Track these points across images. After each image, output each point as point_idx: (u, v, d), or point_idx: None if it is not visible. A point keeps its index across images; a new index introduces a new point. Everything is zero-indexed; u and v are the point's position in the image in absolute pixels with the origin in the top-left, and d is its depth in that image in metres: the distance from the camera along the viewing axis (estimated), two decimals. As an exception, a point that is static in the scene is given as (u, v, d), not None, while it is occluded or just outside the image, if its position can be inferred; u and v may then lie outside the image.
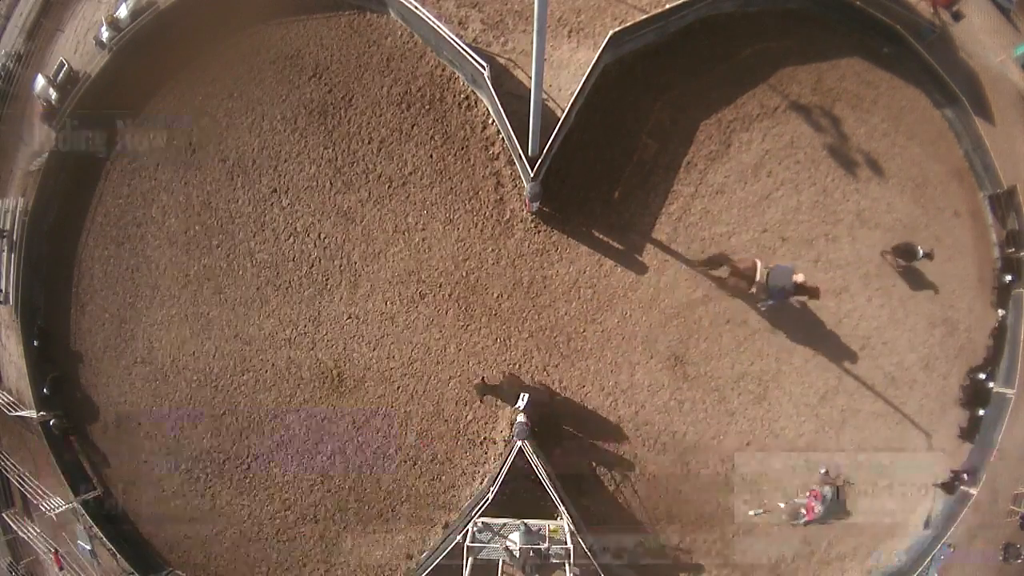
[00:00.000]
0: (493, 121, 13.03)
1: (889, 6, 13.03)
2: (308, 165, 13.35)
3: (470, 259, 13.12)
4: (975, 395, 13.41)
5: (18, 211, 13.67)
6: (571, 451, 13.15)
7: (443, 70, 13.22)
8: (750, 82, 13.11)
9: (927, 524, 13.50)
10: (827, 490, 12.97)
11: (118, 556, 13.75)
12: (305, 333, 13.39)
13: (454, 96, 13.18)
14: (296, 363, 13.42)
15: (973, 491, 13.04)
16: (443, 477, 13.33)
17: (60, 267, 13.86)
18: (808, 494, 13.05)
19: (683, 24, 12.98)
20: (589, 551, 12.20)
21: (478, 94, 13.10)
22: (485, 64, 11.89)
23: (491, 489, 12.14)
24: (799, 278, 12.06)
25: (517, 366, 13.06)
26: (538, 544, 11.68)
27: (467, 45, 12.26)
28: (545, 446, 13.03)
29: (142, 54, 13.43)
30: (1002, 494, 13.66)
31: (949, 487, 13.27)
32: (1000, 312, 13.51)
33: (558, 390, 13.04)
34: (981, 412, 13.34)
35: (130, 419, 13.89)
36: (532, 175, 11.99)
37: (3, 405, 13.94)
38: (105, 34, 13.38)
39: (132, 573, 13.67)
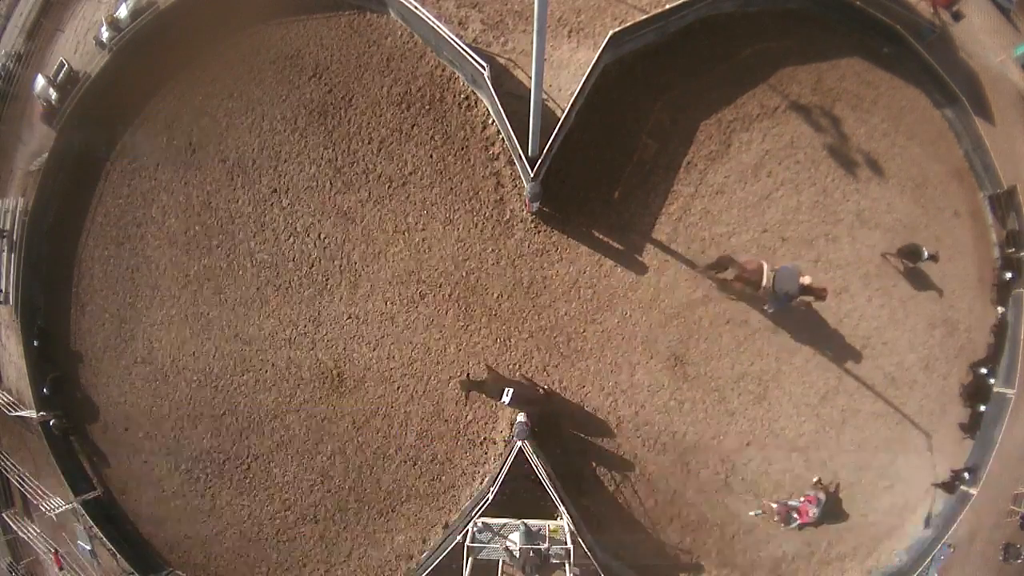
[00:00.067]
0: (493, 121, 13.03)
1: (889, 6, 13.04)
2: (308, 165, 13.35)
3: (470, 259, 13.12)
4: (976, 391, 13.42)
5: (18, 211, 13.69)
6: (571, 451, 13.15)
7: (443, 70, 13.22)
8: (750, 82, 13.12)
9: (927, 524, 13.51)
10: (821, 495, 12.97)
11: (118, 556, 13.77)
12: (305, 333, 13.40)
13: (454, 96, 13.18)
14: (296, 363, 13.43)
15: (973, 491, 13.05)
16: (443, 477, 13.34)
17: (60, 267, 13.87)
18: (803, 498, 13.04)
19: (683, 24, 12.99)
20: (589, 551, 12.19)
21: (478, 94, 13.10)
22: (485, 64, 11.89)
23: (491, 489, 12.14)
24: (805, 280, 12.03)
25: (517, 366, 13.06)
26: (538, 544, 11.68)
27: (467, 45, 12.26)
28: (545, 446, 13.03)
29: (142, 54, 13.43)
30: (1002, 494, 13.68)
31: (949, 487, 13.29)
32: (1000, 309, 13.51)
33: (558, 390, 13.04)
34: (982, 408, 13.36)
35: (130, 419, 13.90)
36: (532, 175, 11.99)
37: (3, 405, 13.96)
38: (105, 34, 13.40)
39: (132, 573, 13.69)
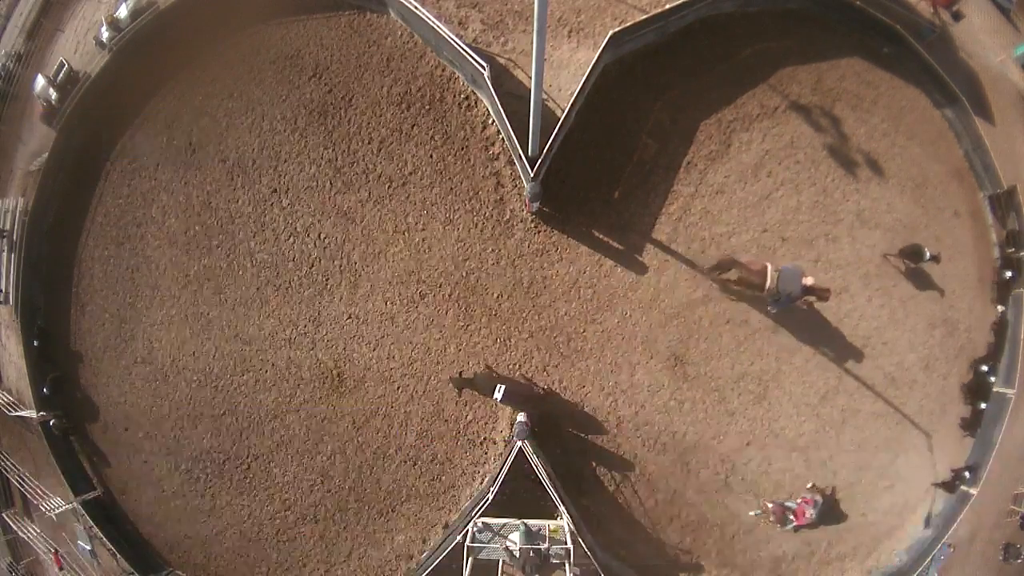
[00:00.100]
0: (493, 121, 13.03)
1: (889, 6, 13.04)
2: (308, 165, 13.35)
3: (470, 259, 13.12)
4: (977, 388, 13.42)
5: (18, 211, 13.69)
6: (571, 451, 13.16)
7: (443, 70, 13.22)
8: (750, 82, 13.11)
9: (927, 524, 13.51)
10: (818, 497, 12.97)
11: (118, 556, 13.77)
12: (305, 333, 13.40)
13: (454, 96, 13.18)
14: (296, 363, 13.43)
15: (973, 491, 13.05)
16: (443, 477, 13.34)
17: (60, 267, 13.88)
18: (800, 500, 13.04)
19: (683, 24, 12.98)
20: (589, 551, 12.19)
21: (478, 94, 13.10)
22: (485, 64, 11.89)
23: (491, 489, 12.13)
24: (808, 281, 12.00)
25: (517, 366, 13.06)
26: (538, 544, 11.68)
27: (467, 45, 12.25)
28: (545, 446, 13.03)
29: (142, 54, 13.43)
30: (1002, 494, 13.69)
31: (950, 486, 13.29)
32: (1000, 308, 13.52)
33: (558, 390, 13.04)
34: (983, 405, 13.36)
35: (130, 419, 13.91)
36: (532, 175, 11.99)
37: (3, 405, 13.96)
38: (105, 34, 13.40)
39: (132, 573, 13.69)
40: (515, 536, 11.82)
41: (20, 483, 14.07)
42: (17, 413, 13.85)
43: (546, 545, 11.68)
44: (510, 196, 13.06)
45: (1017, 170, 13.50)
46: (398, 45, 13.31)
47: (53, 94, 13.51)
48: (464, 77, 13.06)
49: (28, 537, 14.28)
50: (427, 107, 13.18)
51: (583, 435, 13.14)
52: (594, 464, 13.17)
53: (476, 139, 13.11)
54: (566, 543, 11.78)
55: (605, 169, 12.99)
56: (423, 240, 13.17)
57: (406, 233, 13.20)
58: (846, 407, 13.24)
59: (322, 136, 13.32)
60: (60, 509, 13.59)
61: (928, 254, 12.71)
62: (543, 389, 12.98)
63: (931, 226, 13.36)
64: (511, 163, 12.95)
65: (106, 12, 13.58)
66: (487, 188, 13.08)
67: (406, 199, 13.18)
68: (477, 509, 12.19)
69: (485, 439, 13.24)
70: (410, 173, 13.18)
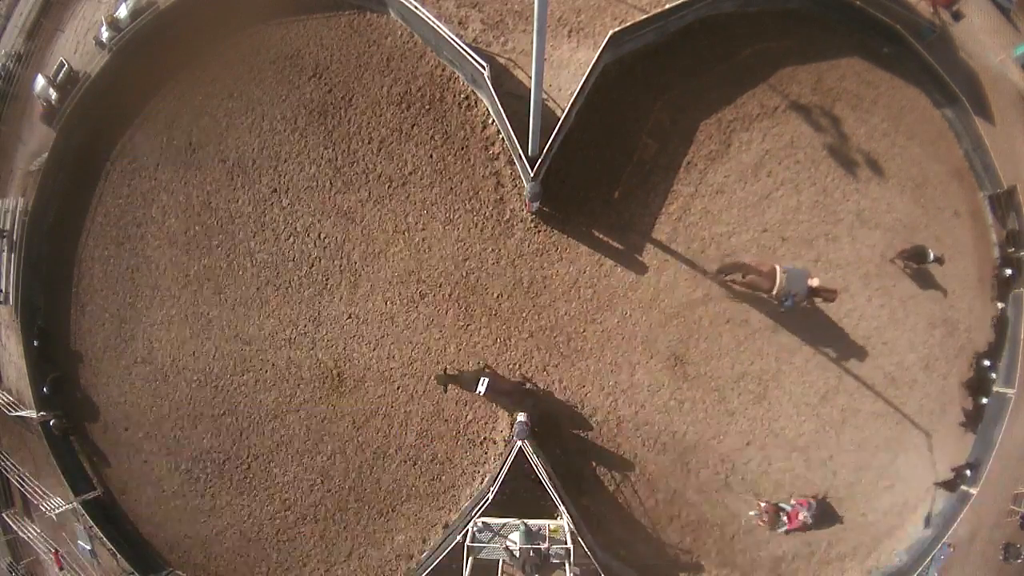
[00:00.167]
0: (493, 121, 13.03)
1: (889, 6, 13.04)
2: (308, 165, 13.35)
3: (470, 259, 13.12)
4: (978, 383, 13.43)
5: (18, 211, 13.69)
6: (571, 451, 13.15)
7: (443, 70, 13.22)
8: (750, 82, 13.11)
9: (927, 524, 13.51)
10: (812, 500, 12.97)
11: (118, 556, 13.78)
12: (305, 333, 13.39)
13: (454, 96, 13.18)
14: (296, 363, 13.43)
15: (973, 491, 13.06)
16: (443, 477, 13.33)
17: (60, 267, 13.88)
18: (794, 502, 13.02)
19: (683, 24, 12.98)
20: (589, 551, 12.19)
21: (478, 94, 13.10)
22: (485, 64, 11.89)
23: (491, 489, 12.13)
24: (814, 282, 12.00)
25: (517, 366, 13.06)
26: (538, 544, 11.68)
27: (467, 45, 12.25)
28: (545, 446, 13.03)
29: (142, 54, 13.43)
30: (1002, 494, 13.69)
31: (950, 485, 13.29)
32: (999, 305, 13.52)
33: (558, 389, 13.04)
34: (984, 400, 13.37)
35: (130, 419, 13.91)
36: (532, 175, 11.99)
37: (3, 405, 13.97)
38: (105, 34, 13.40)
39: (132, 573, 13.69)
40: (515, 536, 11.82)
41: (20, 483, 14.07)
42: (17, 413, 13.85)
43: (546, 545, 11.68)
44: (510, 196, 13.06)
45: (1017, 170, 13.51)
46: (398, 45, 13.31)
47: (53, 94, 13.52)
48: (464, 77, 13.06)
49: (28, 537, 14.28)
50: (427, 107, 13.19)
51: (583, 435, 13.14)
52: (594, 464, 13.17)
53: (476, 139, 13.11)
54: (566, 543, 11.77)
55: (605, 169, 12.99)
56: (423, 240, 13.18)
57: (406, 233, 13.20)
58: (846, 407, 13.24)
59: (322, 136, 13.32)
60: (60, 509, 13.59)
61: (932, 255, 12.67)
62: (529, 383, 12.89)
63: (931, 226, 13.36)
64: (511, 163, 12.95)
65: (106, 12, 13.59)
66: (487, 188, 13.08)
67: (406, 199, 13.18)
68: (477, 509, 12.19)
69: (485, 439, 13.24)
70: (410, 173, 13.18)
